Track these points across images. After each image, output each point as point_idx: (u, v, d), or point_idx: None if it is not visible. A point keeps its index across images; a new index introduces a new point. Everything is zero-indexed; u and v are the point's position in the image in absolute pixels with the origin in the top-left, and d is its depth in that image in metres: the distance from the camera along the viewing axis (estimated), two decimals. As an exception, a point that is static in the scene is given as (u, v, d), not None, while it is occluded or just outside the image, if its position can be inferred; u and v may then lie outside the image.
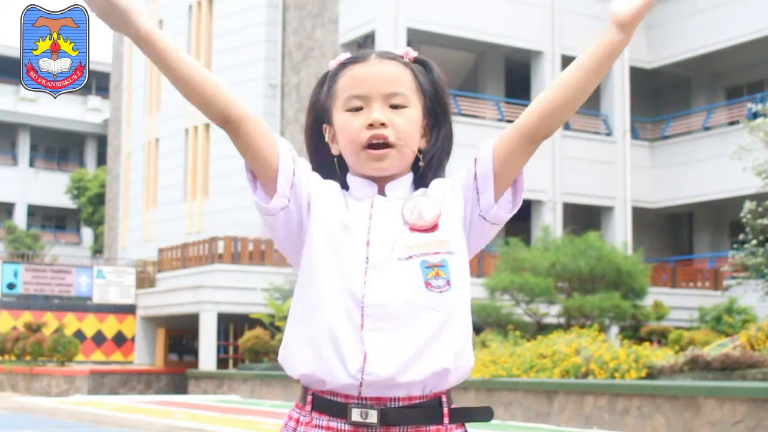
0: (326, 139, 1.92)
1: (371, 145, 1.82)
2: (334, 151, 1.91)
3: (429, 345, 1.74)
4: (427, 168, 1.90)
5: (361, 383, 1.73)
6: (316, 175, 1.89)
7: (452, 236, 1.82)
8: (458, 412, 1.80)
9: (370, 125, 1.82)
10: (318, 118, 1.93)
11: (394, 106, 1.84)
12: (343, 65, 1.90)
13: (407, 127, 1.84)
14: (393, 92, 1.84)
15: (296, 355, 1.80)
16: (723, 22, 25.26)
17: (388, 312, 1.74)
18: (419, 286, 1.76)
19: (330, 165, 1.92)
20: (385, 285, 1.76)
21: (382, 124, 1.82)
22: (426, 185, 1.90)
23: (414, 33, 23.86)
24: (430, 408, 1.76)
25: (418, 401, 1.75)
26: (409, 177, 1.89)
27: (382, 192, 1.87)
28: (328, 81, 1.92)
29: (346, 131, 1.85)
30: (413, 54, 1.92)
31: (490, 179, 1.84)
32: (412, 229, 1.81)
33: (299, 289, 1.84)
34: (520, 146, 1.84)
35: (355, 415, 1.74)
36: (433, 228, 1.81)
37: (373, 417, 1.73)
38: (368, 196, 1.86)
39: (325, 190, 1.86)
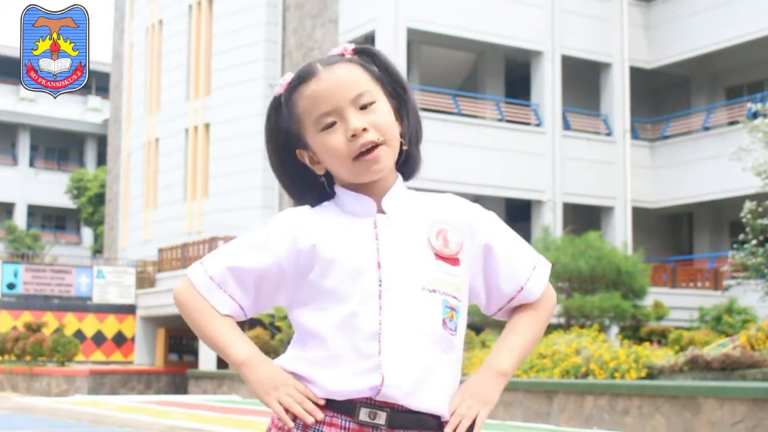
0: (307, 163, 1.88)
1: (361, 155, 1.80)
2: (319, 171, 1.88)
3: (436, 380, 1.78)
4: (410, 147, 1.89)
5: (375, 396, 1.75)
6: (296, 225, 1.86)
7: (464, 285, 1.86)
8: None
9: (353, 136, 1.80)
10: (284, 145, 1.89)
11: (364, 107, 1.82)
12: (293, 87, 1.86)
13: (385, 120, 1.83)
14: (358, 93, 1.82)
15: (313, 377, 1.80)
16: (723, 22, 25.26)
17: (407, 341, 1.76)
18: (437, 322, 1.79)
19: (312, 187, 1.90)
20: (405, 312, 1.77)
21: (364, 129, 1.80)
22: (413, 168, 1.91)
23: (414, 33, 23.86)
24: (435, 417, 1.81)
25: (424, 413, 1.79)
26: (399, 181, 1.88)
27: (378, 205, 1.85)
28: (284, 107, 1.88)
29: (330, 150, 1.82)
30: (351, 47, 1.90)
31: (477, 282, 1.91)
32: (438, 256, 1.82)
33: (307, 314, 1.83)
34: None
35: (363, 414, 1.75)
36: (455, 261, 1.83)
37: (381, 418, 1.75)
38: (367, 213, 1.84)
39: (315, 231, 1.84)
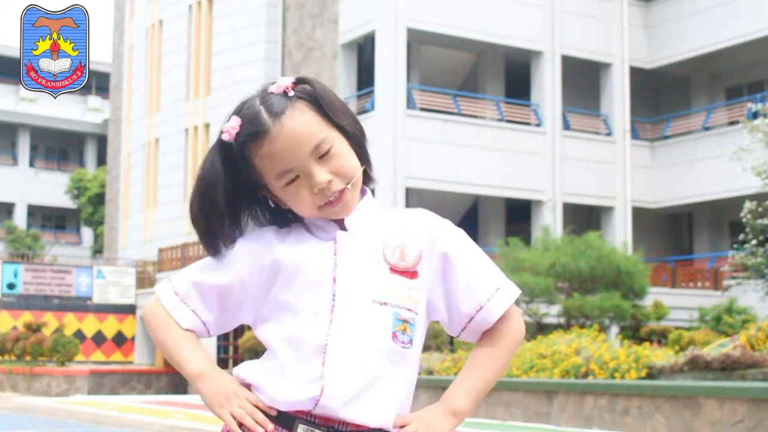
0: (269, 201, 1.87)
1: (329, 204, 1.79)
2: (284, 206, 1.85)
3: (381, 392, 1.76)
4: (367, 165, 1.87)
5: (313, 408, 1.75)
6: (259, 242, 1.86)
7: (421, 298, 1.83)
8: None
9: (319, 190, 1.77)
10: (246, 193, 1.85)
11: (323, 155, 1.78)
12: (243, 142, 1.79)
13: (346, 163, 1.80)
14: (315, 145, 1.77)
15: (262, 385, 1.81)
16: (723, 22, 25.26)
17: (353, 354, 1.75)
18: (386, 335, 1.77)
19: (276, 214, 1.88)
20: (353, 325, 1.76)
21: (329, 182, 1.78)
22: (370, 177, 1.88)
23: (414, 33, 23.86)
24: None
25: (368, 429, 1.77)
26: (368, 198, 1.87)
27: (341, 223, 1.84)
28: (237, 155, 1.81)
29: (296, 201, 1.81)
30: (287, 82, 1.82)
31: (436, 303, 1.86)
32: (393, 270, 1.80)
33: (266, 328, 1.83)
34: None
35: (301, 430, 1.76)
36: (412, 274, 1.81)
37: None
38: (330, 233, 1.84)
39: (277, 247, 1.84)
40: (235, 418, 1.79)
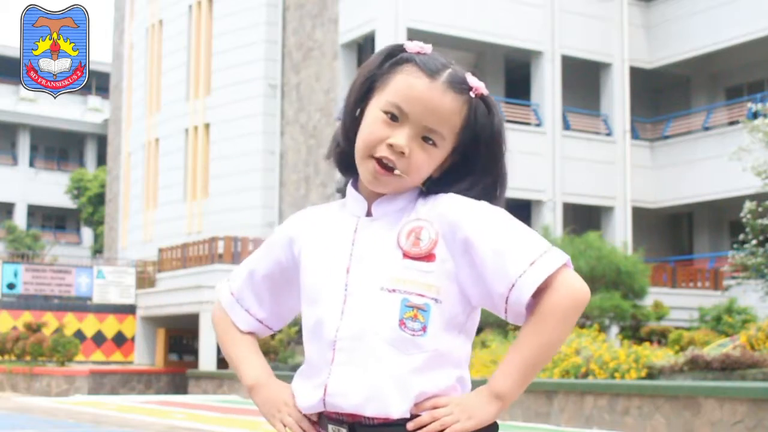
0: (357, 113, 1.82)
1: (379, 161, 1.76)
2: (351, 135, 1.83)
3: (390, 382, 1.71)
4: (431, 186, 1.83)
5: (324, 408, 1.76)
6: (294, 225, 1.90)
7: (441, 283, 1.74)
8: None
9: (390, 144, 1.75)
10: (362, 89, 1.83)
11: (426, 138, 1.76)
12: (411, 59, 1.79)
13: (424, 163, 1.77)
14: (433, 129, 1.76)
15: (295, 392, 1.84)
16: (723, 22, 25.26)
17: (358, 345, 1.73)
18: (393, 323, 1.72)
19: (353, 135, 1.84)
20: (360, 315, 1.74)
21: (401, 153, 1.75)
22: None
23: (414, 33, 23.85)
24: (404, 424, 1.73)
25: (393, 421, 1.72)
26: (409, 193, 1.83)
27: (369, 207, 1.83)
28: (393, 62, 1.80)
29: (369, 132, 1.77)
30: (484, 91, 1.81)
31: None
32: (406, 255, 1.75)
33: (303, 317, 1.86)
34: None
35: (331, 430, 1.77)
36: (429, 257, 1.75)
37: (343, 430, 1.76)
38: (356, 214, 1.82)
39: (305, 232, 1.86)
40: (285, 427, 1.82)
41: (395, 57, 1.81)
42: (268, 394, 1.86)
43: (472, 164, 1.82)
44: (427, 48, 1.81)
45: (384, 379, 1.71)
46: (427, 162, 1.77)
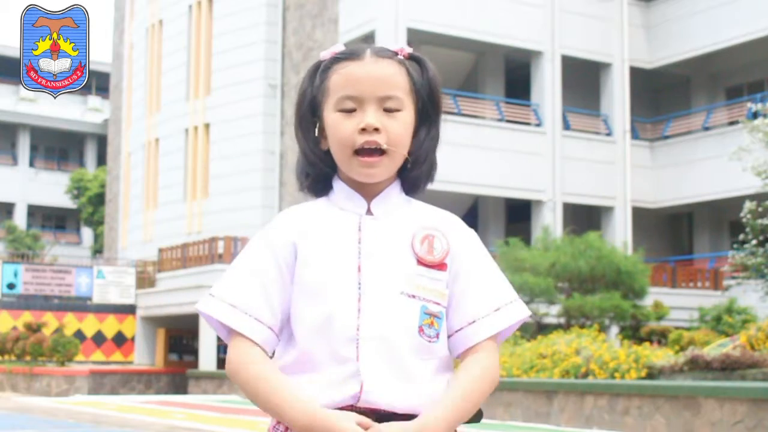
0: (315, 133, 1.84)
1: (363, 151, 1.77)
2: (323, 146, 1.84)
3: (415, 385, 1.74)
4: (414, 166, 1.85)
5: (356, 403, 1.73)
6: (288, 221, 1.83)
7: (446, 293, 1.80)
8: None
9: (363, 129, 1.76)
10: (308, 110, 1.86)
11: (388, 110, 1.79)
12: (337, 59, 1.83)
13: (400, 131, 1.79)
14: (388, 95, 1.78)
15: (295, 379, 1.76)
16: (723, 22, 25.26)
17: (385, 347, 1.73)
18: (413, 329, 1.75)
19: (316, 166, 1.85)
20: (382, 317, 1.74)
21: (376, 129, 1.76)
22: (416, 184, 1.87)
23: (414, 33, 23.85)
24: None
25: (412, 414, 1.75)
26: (395, 186, 1.85)
27: (368, 205, 1.82)
28: (319, 74, 1.85)
29: (338, 133, 1.79)
30: (408, 50, 1.86)
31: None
32: (420, 262, 1.78)
33: (295, 314, 1.78)
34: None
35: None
36: (441, 266, 1.80)
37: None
38: (354, 211, 1.81)
39: (302, 228, 1.81)
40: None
41: (320, 68, 1.86)
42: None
43: (421, 120, 1.86)
44: (340, 47, 1.86)
45: (413, 382, 1.74)
46: (403, 127, 1.80)
